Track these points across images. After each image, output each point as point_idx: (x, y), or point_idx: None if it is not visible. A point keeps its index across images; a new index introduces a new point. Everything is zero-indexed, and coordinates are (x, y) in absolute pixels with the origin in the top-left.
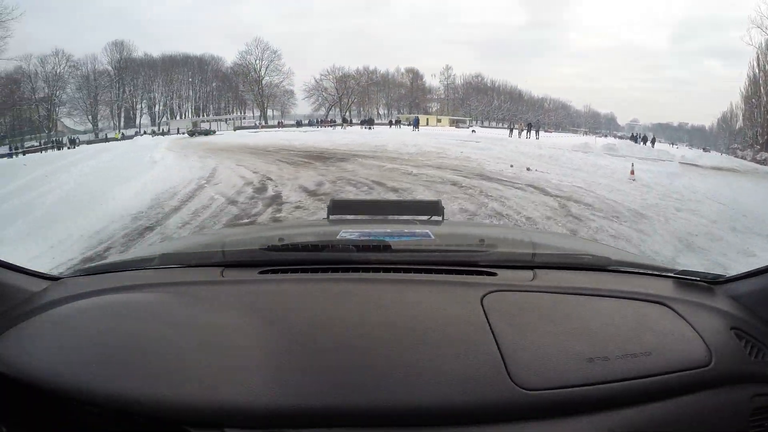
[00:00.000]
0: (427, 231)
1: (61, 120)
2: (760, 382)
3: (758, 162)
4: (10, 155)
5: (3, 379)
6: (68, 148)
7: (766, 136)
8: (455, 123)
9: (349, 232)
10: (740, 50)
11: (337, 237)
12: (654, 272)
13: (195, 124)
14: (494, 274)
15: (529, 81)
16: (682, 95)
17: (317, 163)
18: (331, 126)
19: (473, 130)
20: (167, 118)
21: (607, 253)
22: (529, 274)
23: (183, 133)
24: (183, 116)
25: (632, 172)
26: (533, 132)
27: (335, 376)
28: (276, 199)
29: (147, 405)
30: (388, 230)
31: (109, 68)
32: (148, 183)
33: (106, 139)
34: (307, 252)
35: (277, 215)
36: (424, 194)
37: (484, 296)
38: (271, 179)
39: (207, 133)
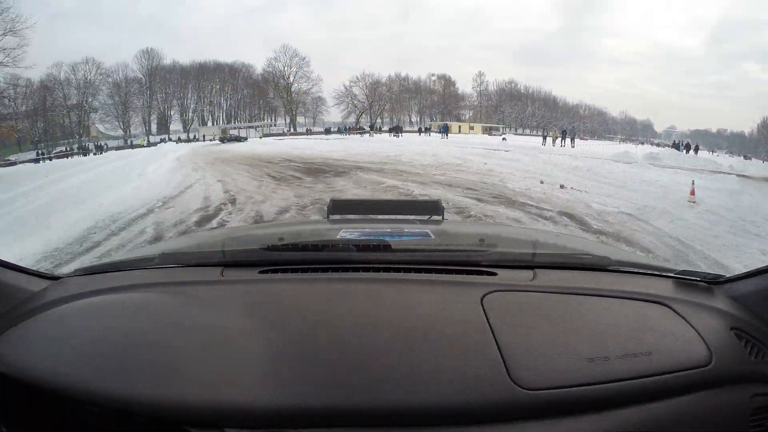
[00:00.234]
0: (427, 231)
1: (96, 126)
2: (760, 382)
3: None
4: (36, 160)
5: (3, 379)
6: (94, 154)
7: None
8: (488, 130)
9: (349, 231)
10: None
11: (337, 237)
12: (654, 272)
13: (224, 131)
14: (494, 274)
15: (564, 87)
16: (720, 100)
17: (308, 179)
18: (359, 133)
19: (504, 138)
20: (198, 125)
21: (607, 253)
22: (529, 274)
23: (211, 140)
24: (215, 122)
25: (692, 192)
26: (568, 139)
27: (335, 375)
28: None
29: (147, 405)
30: (388, 230)
31: (140, 75)
32: (105, 204)
33: (132, 146)
34: (307, 252)
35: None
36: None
37: (484, 296)
38: (234, 202)
39: (238, 139)
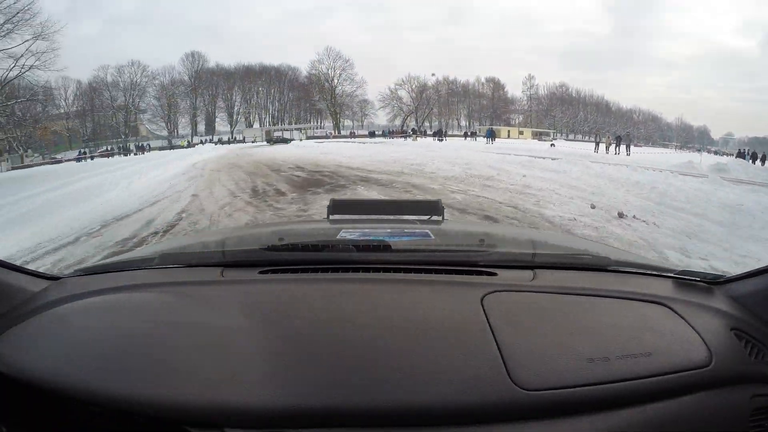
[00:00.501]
0: (427, 231)
1: (145, 126)
2: (760, 383)
3: None
4: (78, 159)
5: (3, 379)
6: (134, 154)
7: None
8: (538, 135)
9: (349, 232)
10: None
11: (337, 237)
12: (654, 272)
13: (269, 133)
14: (494, 274)
15: (616, 91)
16: None
17: (291, 195)
18: (402, 137)
19: (552, 144)
20: (246, 126)
21: (607, 253)
22: (529, 274)
23: (253, 141)
24: (262, 124)
25: None
26: (623, 146)
27: (335, 376)
28: None
29: (147, 405)
30: (388, 230)
31: (186, 78)
32: (44, 228)
33: (172, 147)
34: (307, 252)
35: None
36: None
37: (484, 296)
38: (172, 227)
39: (284, 141)
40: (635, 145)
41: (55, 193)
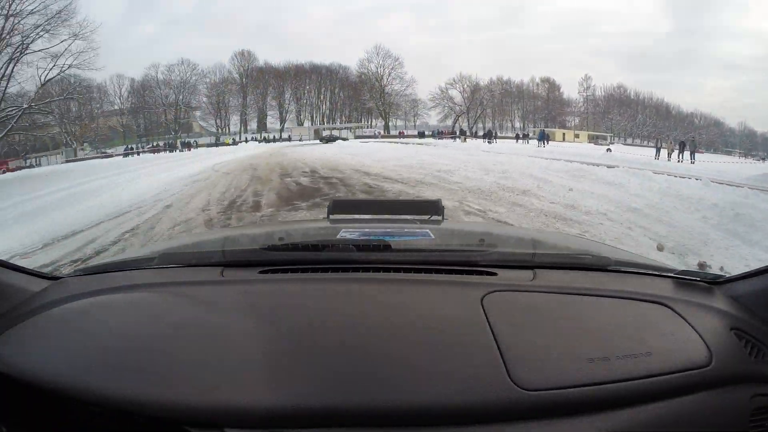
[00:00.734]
0: (427, 231)
1: (199, 122)
2: (760, 382)
3: None
4: (126, 155)
5: (3, 379)
6: (180, 151)
7: None
8: (594, 139)
9: (349, 231)
10: None
11: (337, 236)
12: (654, 272)
13: (317, 132)
14: (494, 274)
15: (675, 94)
16: None
17: (265, 211)
18: (451, 138)
19: (608, 149)
20: (296, 124)
21: (607, 253)
22: (529, 274)
23: (299, 140)
24: (312, 123)
25: None
26: (686, 153)
27: (335, 376)
28: None
29: (147, 405)
30: (388, 230)
31: (236, 76)
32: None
33: (217, 144)
34: (307, 252)
35: None
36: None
37: (484, 296)
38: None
39: (335, 139)
40: (697, 152)
41: (39, 200)
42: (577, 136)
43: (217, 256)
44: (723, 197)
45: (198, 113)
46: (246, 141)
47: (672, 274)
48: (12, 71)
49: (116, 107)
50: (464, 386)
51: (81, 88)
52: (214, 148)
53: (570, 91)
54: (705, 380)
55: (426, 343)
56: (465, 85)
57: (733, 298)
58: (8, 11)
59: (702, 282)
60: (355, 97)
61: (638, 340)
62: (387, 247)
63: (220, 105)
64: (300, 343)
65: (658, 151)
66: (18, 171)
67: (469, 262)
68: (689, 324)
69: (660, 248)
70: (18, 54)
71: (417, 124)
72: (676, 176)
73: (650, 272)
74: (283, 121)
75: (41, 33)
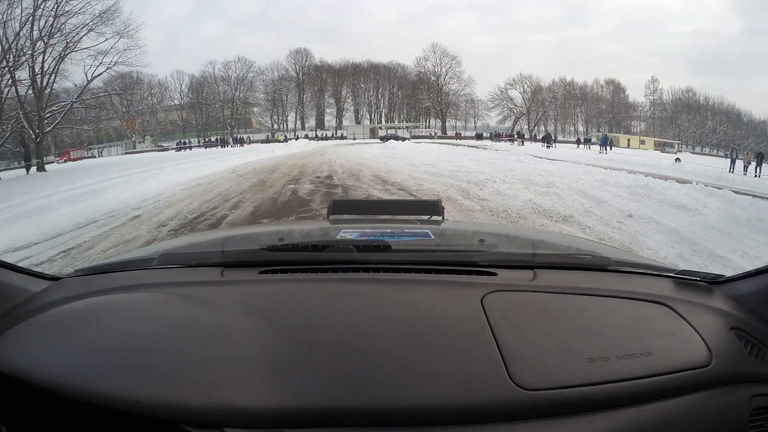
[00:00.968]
0: (427, 231)
1: (258, 119)
2: (759, 382)
3: None
4: (179, 149)
5: (3, 379)
6: (231, 146)
7: None
8: (661, 146)
9: (349, 232)
10: None
11: (337, 237)
12: (654, 272)
13: (373, 131)
14: (494, 274)
15: (745, 99)
16: None
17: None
18: (509, 141)
19: (677, 159)
20: (355, 123)
21: (607, 253)
22: (529, 274)
23: (353, 139)
24: (371, 121)
25: None
26: (765, 165)
27: (335, 376)
28: None
29: (147, 405)
30: (388, 230)
31: (293, 73)
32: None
33: (268, 141)
34: (307, 252)
35: None
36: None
37: (484, 296)
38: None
39: (394, 138)
40: None
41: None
42: (642, 142)
43: (218, 257)
44: None
45: (256, 109)
46: (296, 138)
47: (672, 274)
48: (58, 67)
49: (175, 102)
50: (464, 386)
51: (131, 83)
52: (264, 145)
53: (636, 94)
54: (705, 380)
55: (426, 343)
56: (525, 86)
57: (733, 298)
58: (56, 11)
59: (702, 282)
60: (413, 96)
61: (638, 339)
62: (387, 248)
63: (276, 102)
64: (300, 343)
65: (732, 162)
66: (80, 161)
67: (469, 262)
68: (689, 324)
69: None
70: (66, 51)
71: (477, 125)
72: (762, 198)
73: (650, 272)
74: (340, 118)
75: (85, 32)
